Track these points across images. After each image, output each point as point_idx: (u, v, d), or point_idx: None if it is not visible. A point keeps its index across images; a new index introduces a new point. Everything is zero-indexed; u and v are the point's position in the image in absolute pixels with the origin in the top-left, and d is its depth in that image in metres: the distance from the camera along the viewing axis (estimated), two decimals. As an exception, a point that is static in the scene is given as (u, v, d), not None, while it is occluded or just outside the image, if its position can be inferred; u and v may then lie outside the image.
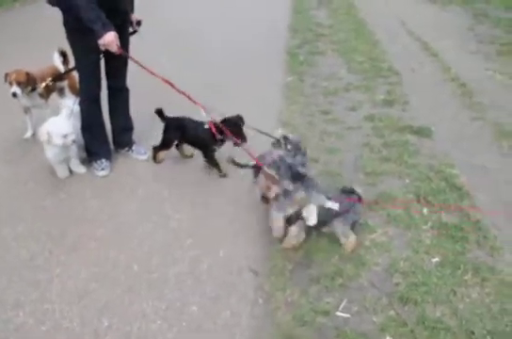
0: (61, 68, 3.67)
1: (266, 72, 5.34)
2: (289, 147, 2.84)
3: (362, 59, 5.81)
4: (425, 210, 2.92)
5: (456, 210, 2.90)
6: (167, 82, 2.95)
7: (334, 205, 2.44)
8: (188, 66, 5.35)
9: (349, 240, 2.52)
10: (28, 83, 3.37)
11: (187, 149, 3.46)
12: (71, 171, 3.29)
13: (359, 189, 2.60)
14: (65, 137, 2.96)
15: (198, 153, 3.34)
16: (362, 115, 4.27)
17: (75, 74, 3.30)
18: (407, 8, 8.81)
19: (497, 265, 2.49)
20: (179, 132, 3.24)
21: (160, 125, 3.29)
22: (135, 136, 3.61)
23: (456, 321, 2.16)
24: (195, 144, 3.28)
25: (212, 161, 3.25)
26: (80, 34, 2.80)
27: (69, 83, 3.79)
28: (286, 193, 2.46)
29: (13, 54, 5.52)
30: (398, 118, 4.22)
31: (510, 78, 5.22)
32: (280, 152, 2.75)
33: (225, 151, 3.20)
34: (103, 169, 3.30)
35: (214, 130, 3.05)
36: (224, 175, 3.29)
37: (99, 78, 3.12)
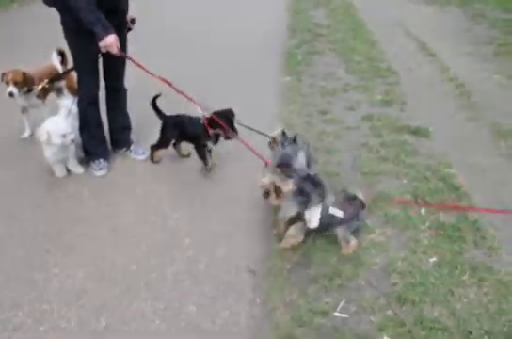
0: (60, 68, 3.66)
1: (264, 72, 5.34)
2: (286, 143, 2.84)
3: (360, 59, 5.81)
4: (423, 210, 2.93)
5: (454, 210, 2.91)
6: (165, 81, 2.96)
7: (338, 213, 2.44)
8: (186, 66, 5.34)
9: (350, 244, 2.52)
10: (25, 83, 3.36)
11: (185, 148, 3.46)
12: (68, 171, 3.29)
13: (359, 194, 2.60)
14: (64, 136, 2.96)
15: (195, 153, 3.33)
16: (360, 115, 4.28)
17: (74, 74, 3.30)
18: (405, 8, 8.82)
19: (494, 265, 2.50)
20: (177, 130, 3.24)
21: (158, 125, 3.29)
22: (133, 135, 3.61)
23: (453, 321, 2.16)
24: (190, 139, 3.29)
25: (200, 154, 3.25)
26: (78, 34, 2.81)
27: (67, 83, 3.78)
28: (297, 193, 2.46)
29: (11, 54, 5.50)
30: (396, 118, 4.22)
31: (508, 78, 5.24)
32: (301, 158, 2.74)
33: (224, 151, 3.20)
34: (100, 169, 3.30)
35: (206, 124, 3.06)
36: (208, 170, 3.30)
37: (97, 78, 3.12)
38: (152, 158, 3.44)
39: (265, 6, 8.96)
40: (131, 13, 3.11)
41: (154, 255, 2.56)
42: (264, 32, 6.99)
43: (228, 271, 2.47)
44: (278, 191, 2.42)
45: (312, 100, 4.62)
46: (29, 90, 3.43)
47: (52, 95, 3.79)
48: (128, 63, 3.11)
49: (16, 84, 3.30)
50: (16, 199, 3.02)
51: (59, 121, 3.01)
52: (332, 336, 2.10)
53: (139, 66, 2.95)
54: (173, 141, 3.38)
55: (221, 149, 3.31)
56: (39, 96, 3.55)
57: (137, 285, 2.36)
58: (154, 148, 3.38)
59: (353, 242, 2.52)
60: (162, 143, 3.33)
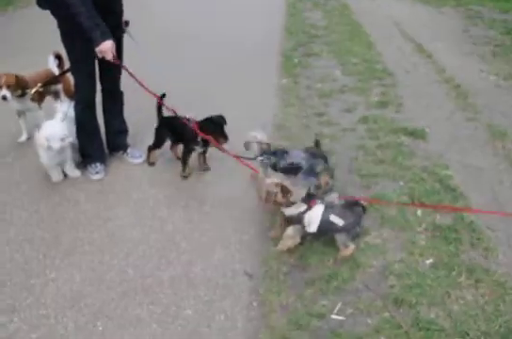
0: (56, 71, 3.66)
1: (261, 75, 5.35)
2: (262, 150, 2.89)
3: (357, 61, 5.82)
4: (419, 212, 2.93)
5: (450, 211, 2.91)
6: (155, 96, 3.06)
7: (339, 221, 2.44)
8: (182, 68, 5.34)
9: (348, 249, 2.51)
10: (18, 86, 3.34)
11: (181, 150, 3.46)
12: (65, 175, 3.28)
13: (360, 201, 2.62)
14: (62, 140, 2.96)
15: (193, 157, 3.32)
16: (357, 117, 4.28)
17: (70, 78, 3.29)
18: (401, 9, 8.84)
19: (491, 266, 2.50)
20: (169, 131, 3.29)
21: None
22: (129, 139, 3.61)
23: (450, 323, 2.16)
24: (181, 141, 3.31)
25: (183, 157, 3.26)
26: (75, 38, 2.81)
27: (64, 86, 3.78)
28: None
29: (7, 58, 5.49)
30: (392, 119, 4.23)
31: (504, 79, 5.26)
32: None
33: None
34: (97, 173, 3.29)
35: (195, 128, 3.06)
36: (185, 177, 3.31)
37: (94, 82, 3.13)
38: (148, 159, 3.46)
39: (261, 8, 8.96)
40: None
41: (151, 259, 2.56)
42: (261, 34, 6.99)
43: (224, 275, 2.46)
44: (284, 191, 2.41)
45: (308, 102, 4.62)
46: (23, 94, 3.42)
47: (49, 99, 3.79)
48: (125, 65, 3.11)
49: (9, 87, 3.28)
50: (12, 203, 3.02)
51: (56, 125, 3.01)
52: (329, 339, 2.10)
53: (132, 76, 3.00)
54: (168, 142, 3.40)
55: (216, 152, 3.29)
56: (33, 99, 3.54)
57: (134, 290, 2.35)
58: (150, 148, 3.42)
59: (352, 247, 2.51)
60: (155, 143, 3.37)
